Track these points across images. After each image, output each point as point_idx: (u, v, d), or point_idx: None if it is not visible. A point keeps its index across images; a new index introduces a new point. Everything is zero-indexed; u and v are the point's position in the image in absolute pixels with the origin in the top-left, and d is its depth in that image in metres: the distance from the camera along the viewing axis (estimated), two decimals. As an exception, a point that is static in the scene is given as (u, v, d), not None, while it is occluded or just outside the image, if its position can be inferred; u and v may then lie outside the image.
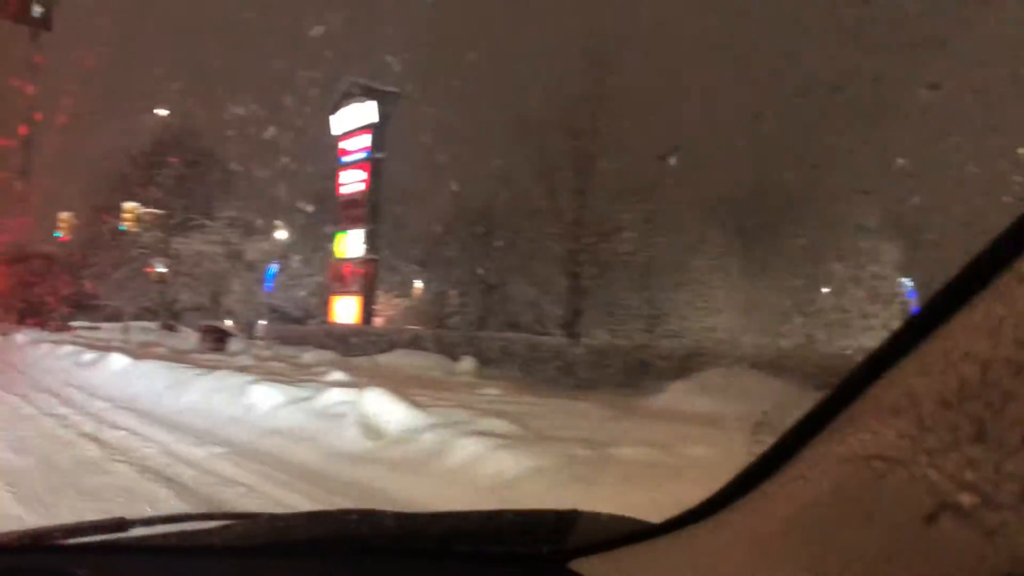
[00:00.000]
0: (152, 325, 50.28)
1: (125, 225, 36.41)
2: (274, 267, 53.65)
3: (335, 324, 32.87)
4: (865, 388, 0.95)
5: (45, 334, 30.36)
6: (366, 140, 34.71)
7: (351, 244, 34.99)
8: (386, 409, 8.88)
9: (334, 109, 36.12)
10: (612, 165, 23.73)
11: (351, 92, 34.67)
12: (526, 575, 1.61)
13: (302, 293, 53.45)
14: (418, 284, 48.10)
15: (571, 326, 36.00)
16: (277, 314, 59.91)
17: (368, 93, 34.16)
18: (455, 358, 20.30)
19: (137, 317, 57.35)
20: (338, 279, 35.79)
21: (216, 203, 49.00)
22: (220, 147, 51.42)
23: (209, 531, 1.89)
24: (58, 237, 39.96)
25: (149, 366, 15.11)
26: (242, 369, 14.42)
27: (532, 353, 19.96)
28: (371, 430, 8.66)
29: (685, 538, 1.32)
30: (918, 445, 0.85)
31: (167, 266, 35.17)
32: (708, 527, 1.28)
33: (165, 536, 1.83)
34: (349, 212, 35.17)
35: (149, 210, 37.63)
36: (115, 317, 58.14)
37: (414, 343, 23.77)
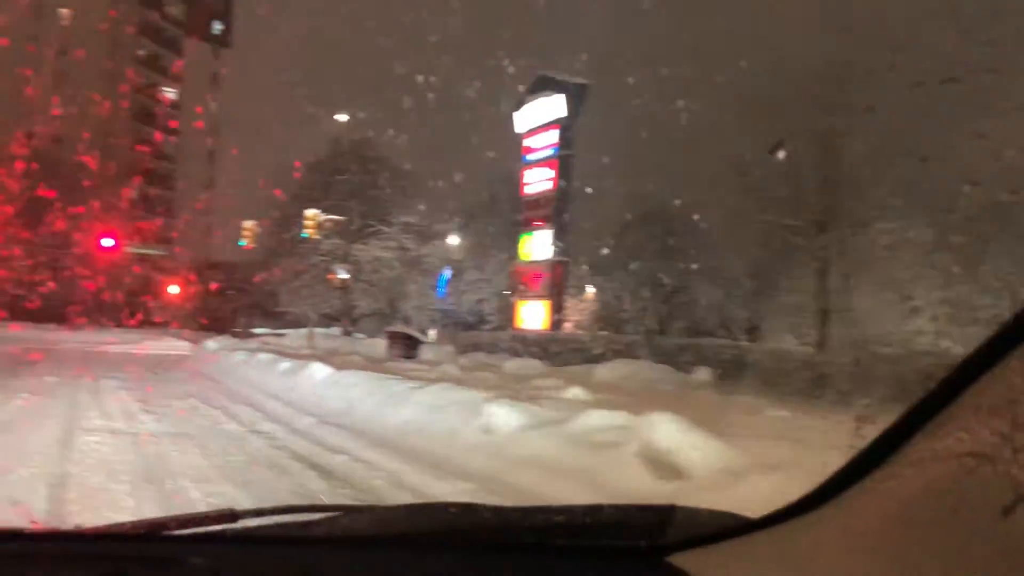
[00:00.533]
0: (333, 331, 50.54)
1: (307, 232, 36.16)
2: (446, 272, 53.08)
3: (522, 330, 31.37)
4: (965, 388, 0.98)
5: (236, 342, 30.16)
6: (553, 136, 33.06)
7: (537, 246, 33.38)
8: (676, 439, 6.93)
9: (518, 106, 34.68)
10: (859, 157, 20.79)
11: (537, 87, 33.11)
12: (624, 569, 1.64)
13: (474, 298, 52.63)
14: (589, 288, 46.32)
15: (754, 331, 33.34)
16: (448, 320, 59.45)
17: (556, 86, 32.50)
18: (678, 368, 18.19)
19: (315, 324, 58.15)
20: (523, 283, 34.24)
21: (392, 208, 48.74)
22: (396, 152, 51.27)
23: (315, 522, 1.91)
24: (242, 246, 40.23)
25: (353, 376, 13.79)
26: (457, 381, 12.85)
27: (776, 364, 17.54)
28: (662, 467, 6.73)
29: (783, 533, 1.36)
30: (1007, 442, 0.88)
31: (349, 272, 34.68)
32: (805, 523, 1.32)
33: (273, 527, 1.88)
34: (534, 212, 33.59)
35: (330, 217, 37.33)
36: (295, 324, 59.20)
37: (622, 351, 21.80)
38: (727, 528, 1.55)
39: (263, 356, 19.48)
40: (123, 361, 27.72)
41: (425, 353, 26.69)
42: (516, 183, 45.45)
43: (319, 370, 14.95)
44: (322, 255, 47.19)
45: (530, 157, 34.43)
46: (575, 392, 11.29)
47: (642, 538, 1.64)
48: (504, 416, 8.89)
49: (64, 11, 70.43)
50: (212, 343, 26.86)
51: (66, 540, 1.83)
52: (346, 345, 32.94)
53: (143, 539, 1.83)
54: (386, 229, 48.03)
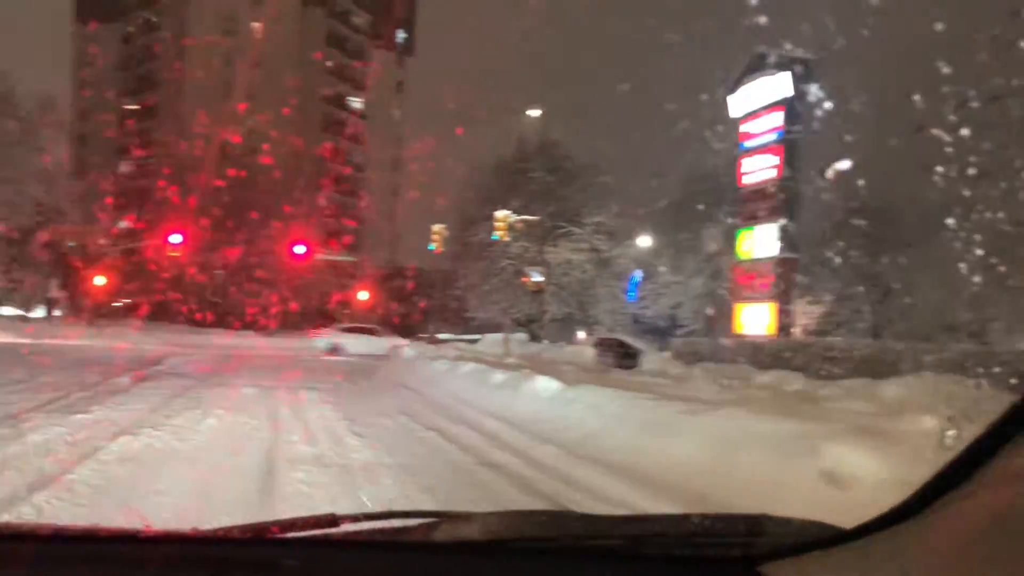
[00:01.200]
0: (519, 336, 48.85)
1: (497, 234, 34.37)
2: (637, 275, 50.36)
3: (743, 336, 28.25)
4: None
5: (432, 349, 28.56)
6: (777, 119, 29.73)
7: (759, 242, 30.11)
8: None
9: (734, 87, 31.56)
10: None
11: (757, 65, 29.93)
12: None
13: (670, 302, 49.63)
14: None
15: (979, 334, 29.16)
16: (639, 325, 56.63)
17: (779, 64, 29.24)
18: (999, 384, 14.70)
19: (499, 329, 56.72)
20: (743, 283, 31.04)
21: (583, 208, 46.52)
22: (586, 149, 49.11)
23: (414, 528, 2.01)
24: (431, 250, 38.97)
25: (592, 393, 11.36)
26: (724, 404, 10.18)
27: None
28: None
29: (875, 544, 1.37)
30: None
31: (543, 275, 32.71)
32: (898, 533, 1.33)
33: (373, 532, 1.94)
34: (756, 205, 30.33)
35: (521, 218, 35.42)
36: (477, 329, 58.05)
37: (873, 360, 18.48)
38: (817, 538, 1.56)
39: (469, 366, 17.41)
40: (317, 369, 26.59)
41: (646, 363, 24.05)
42: (718, 176, 42.25)
43: (545, 385, 12.62)
44: (511, 258, 45.52)
45: (749, 144, 31.15)
46: (925, 423, 8.34)
47: (734, 547, 1.69)
48: (858, 461, 6.19)
49: (256, 25, 72.47)
50: (408, 350, 25.28)
51: (174, 543, 1.85)
52: (545, 352, 30.81)
53: (247, 543, 1.89)
54: (576, 230, 45.87)
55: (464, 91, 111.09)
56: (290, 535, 1.89)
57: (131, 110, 76.24)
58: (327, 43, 78.08)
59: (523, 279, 37.33)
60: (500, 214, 34.88)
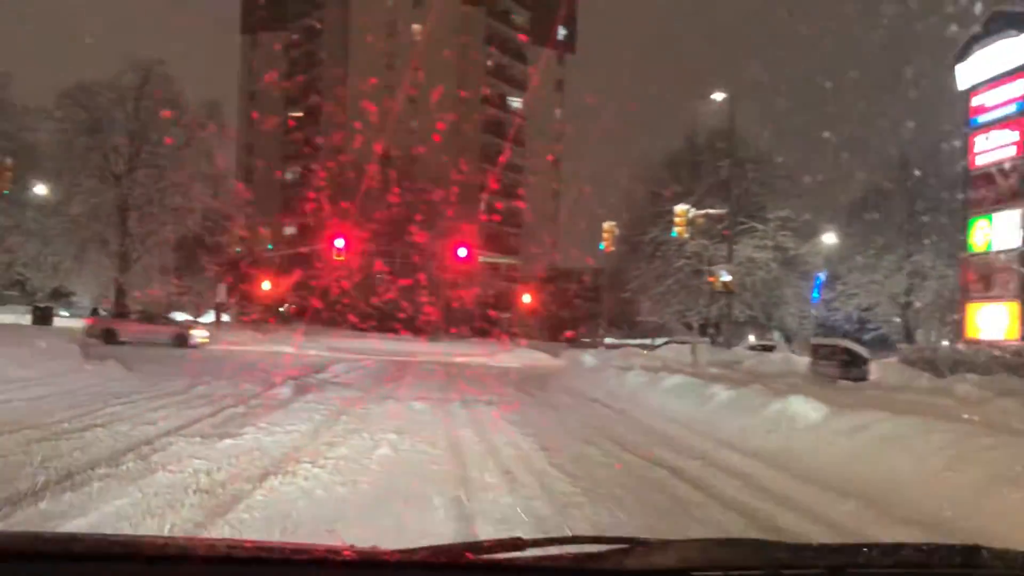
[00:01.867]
0: (695, 341, 45.61)
1: (677, 230, 31.38)
2: (821, 275, 46.19)
3: (978, 341, 24.15)
4: None
5: (614, 356, 25.86)
6: (1018, 88, 25.46)
7: (997, 232, 25.87)
8: None
9: (962, 54, 27.39)
10: None
11: (994, 26, 25.72)
12: None
13: (861, 303, 45.22)
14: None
15: None
16: (823, 329, 52.19)
17: (1021, 23, 24.97)
18: None
19: (665, 332, 53.47)
20: (977, 281, 26.82)
21: (767, 202, 42.85)
22: (765, 139, 45.47)
23: (601, 554, 1.94)
24: (602, 249, 36.33)
25: (884, 422, 8.39)
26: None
27: None
28: None
29: None
30: None
31: (732, 274, 29.52)
32: None
33: (561, 557, 1.90)
34: (991, 189, 26.08)
35: (704, 212, 32.29)
36: (645, 334, 55.10)
37: None
38: None
39: (674, 379, 14.58)
40: (486, 376, 24.43)
41: (873, 374, 20.47)
42: (922, 161, 37.92)
43: (802, 408, 9.68)
44: (687, 257, 42.33)
45: (983, 118, 26.81)
46: None
47: None
48: None
49: (416, 27, 71.83)
50: (588, 357, 22.67)
51: (373, 565, 1.87)
52: (745, 360, 27.54)
53: (437, 566, 1.88)
54: (759, 226, 42.21)
55: (628, 86, 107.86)
56: (480, 558, 1.87)
57: (295, 117, 77.16)
58: (487, 43, 76.78)
59: (710, 279, 34.13)
60: (680, 208, 31.84)
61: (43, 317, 39.81)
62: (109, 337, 31.99)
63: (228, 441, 8.90)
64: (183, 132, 39.50)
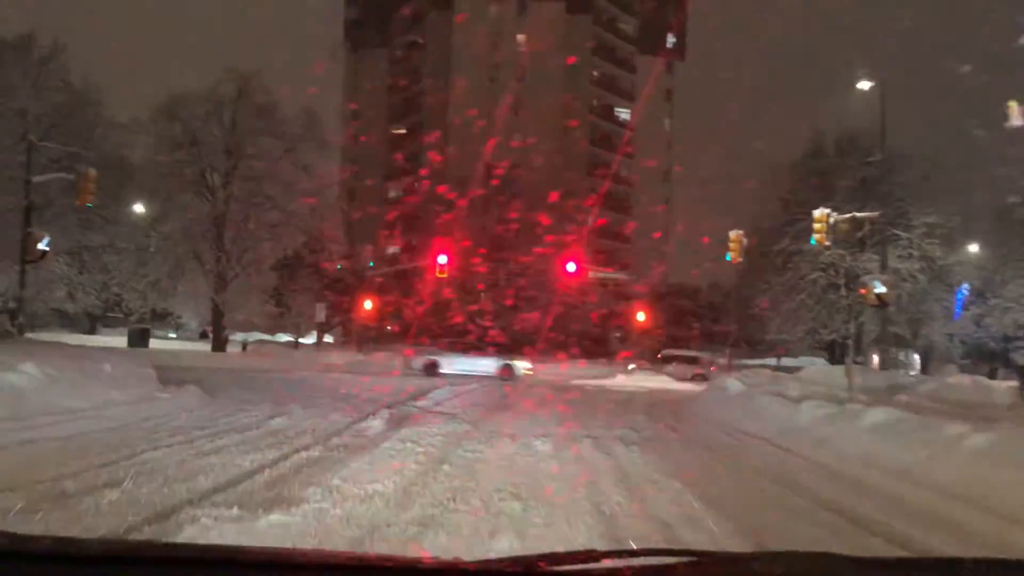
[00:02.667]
0: (817, 363, 41.59)
1: (816, 237, 27.82)
2: (963, 288, 41.58)
3: None
4: None
5: (757, 380, 22.37)
6: None
7: None
8: None
9: None
10: None
11: None
12: None
13: (1013, 319, 40.42)
14: None
15: None
16: (965, 349, 47.37)
17: None
18: None
19: (793, 353, 49.32)
20: None
21: (909, 208, 38.58)
22: (912, 138, 41.31)
23: (674, 566, 1.97)
24: (728, 260, 32.86)
25: None
26: None
27: None
28: None
29: None
30: None
31: (887, 285, 25.75)
32: None
33: (633, 569, 1.92)
34: None
35: (847, 216, 28.58)
36: (766, 354, 51.14)
37: None
38: None
39: (878, 413, 11.14)
40: (608, 402, 21.34)
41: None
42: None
43: None
44: (822, 269, 38.36)
45: None
46: None
47: None
48: None
49: (521, 37, 69.45)
50: (733, 382, 19.33)
51: (452, 573, 1.92)
52: (905, 384, 23.72)
53: (504, 572, 1.92)
54: (903, 234, 37.95)
55: (741, 93, 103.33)
56: (554, 569, 1.89)
57: (398, 134, 75.82)
58: (593, 52, 73.87)
59: (860, 291, 30.26)
60: (819, 213, 28.20)
61: (139, 338, 38.52)
62: (431, 370, 31.52)
63: (276, 516, 6.05)
64: (281, 144, 37.72)
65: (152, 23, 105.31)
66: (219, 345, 38.58)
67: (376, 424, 12.97)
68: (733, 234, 34.33)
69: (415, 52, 74.94)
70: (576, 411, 17.93)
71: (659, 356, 40.88)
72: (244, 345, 44.06)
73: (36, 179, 25.67)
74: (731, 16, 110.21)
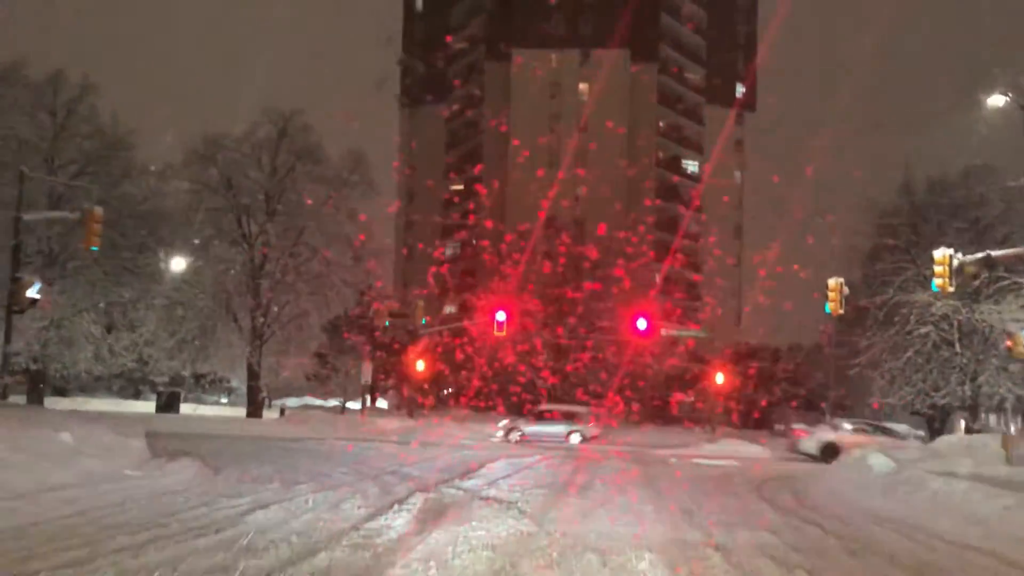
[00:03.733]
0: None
1: (938, 282, 23.41)
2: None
3: None
4: None
5: (908, 456, 17.79)
6: None
7: None
8: None
9: None
10: None
11: None
12: None
13: None
14: None
15: None
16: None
17: None
18: None
19: (872, 416, 44.42)
20: None
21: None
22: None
23: None
24: (828, 313, 28.39)
25: None
26: None
27: None
28: None
29: None
30: None
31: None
32: None
33: None
34: None
35: (976, 257, 24.02)
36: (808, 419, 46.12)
37: None
38: None
39: None
40: (708, 480, 17.13)
41: None
42: None
43: None
44: (933, 322, 33.58)
45: None
46: None
47: None
48: None
49: (583, 86, 66.30)
50: (879, 458, 14.90)
51: None
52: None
53: None
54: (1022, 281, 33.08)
55: (815, 141, 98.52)
56: None
57: (455, 190, 72.93)
58: (659, 102, 70.38)
59: (1007, 344, 25.66)
60: (940, 254, 23.76)
61: (167, 404, 35.22)
62: (830, 453, 25.18)
63: None
64: (324, 188, 34.46)
65: (203, 71, 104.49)
66: (255, 410, 34.92)
67: (399, 522, 9.06)
68: (832, 282, 29.99)
69: (473, 104, 72.23)
70: (674, 494, 13.75)
71: (526, 411, 36.71)
72: (282, 410, 40.41)
73: (27, 217, 22.47)
74: (803, 63, 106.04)
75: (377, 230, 40.90)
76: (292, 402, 52.38)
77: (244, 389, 45.00)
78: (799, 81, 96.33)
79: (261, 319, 33.46)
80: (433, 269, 64.86)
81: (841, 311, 29.93)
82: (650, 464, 21.79)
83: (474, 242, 63.23)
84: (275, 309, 34.03)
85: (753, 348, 56.87)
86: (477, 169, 66.64)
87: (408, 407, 45.05)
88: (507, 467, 17.93)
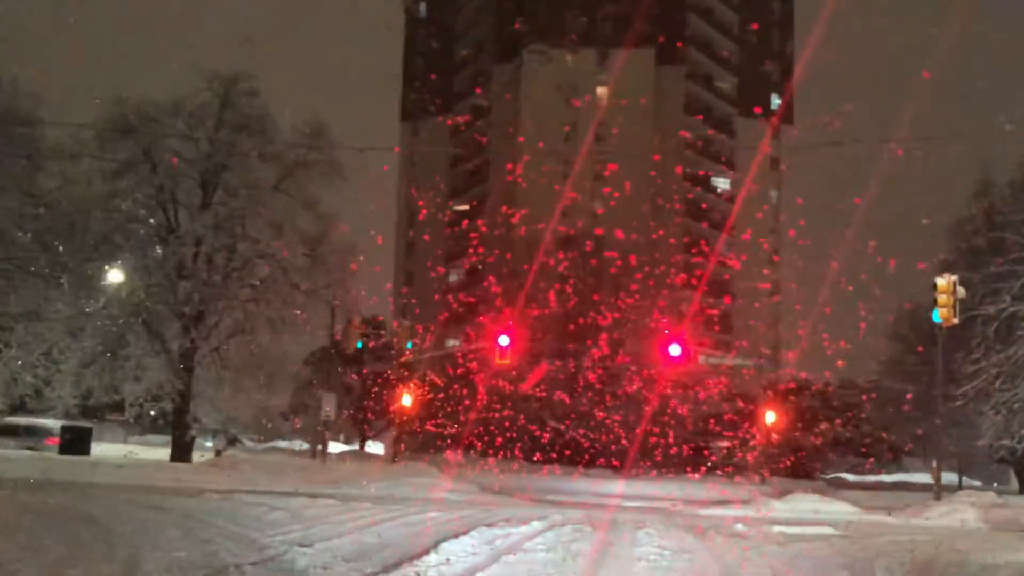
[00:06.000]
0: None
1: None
2: None
3: None
4: None
5: None
6: None
7: None
8: None
9: None
10: None
11: None
12: None
13: None
14: None
15: None
16: None
17: None
18: None
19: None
20: None
21: None
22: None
23: None
24: (938, 322, 20.97)
25: None
26: None
27: None
28: None
29: None
30: None
31: None
32: None
33: None
34: None
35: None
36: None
37: None
38: None
39: None
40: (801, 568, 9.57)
41: None
42: None
43: None
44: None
45: None
46: None
47: None
48: None
49: (601, 91, 59.24)
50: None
51: None
52: None
53: None
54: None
55: (858, 155, 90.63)
56: None
57: (459, 211, 66.03)
58: (686, 111, 63.20)
59: None
60: (943, 282, 17.02)
61: (72, 444, 27.77)
62: None
63: None
64: (274, 169, 27.15)
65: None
66: (179, 452, 27.21)
67: None
68: (943, 282, 22.69)
69: (480, 116, 65.41)
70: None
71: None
72: (217, 451, 32.63)
73: None
74: (844, 71, 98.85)
75: (374, 256, 33.83)
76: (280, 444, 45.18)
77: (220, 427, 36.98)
78: (843, 92, 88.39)
79: (188, 335, 25.74)
80: (437, 297, 58.42)
81: (955, 320, 22.49)
82: (711, 534, 14.04)
83: (476, 263, 56.22)
84: (209, 322, 26.36)
85: (802, 382, 48.99)
86: (481, 189, 60.18)
87: (393, 450, 37.56)
88: (481, 548, 10.34)
